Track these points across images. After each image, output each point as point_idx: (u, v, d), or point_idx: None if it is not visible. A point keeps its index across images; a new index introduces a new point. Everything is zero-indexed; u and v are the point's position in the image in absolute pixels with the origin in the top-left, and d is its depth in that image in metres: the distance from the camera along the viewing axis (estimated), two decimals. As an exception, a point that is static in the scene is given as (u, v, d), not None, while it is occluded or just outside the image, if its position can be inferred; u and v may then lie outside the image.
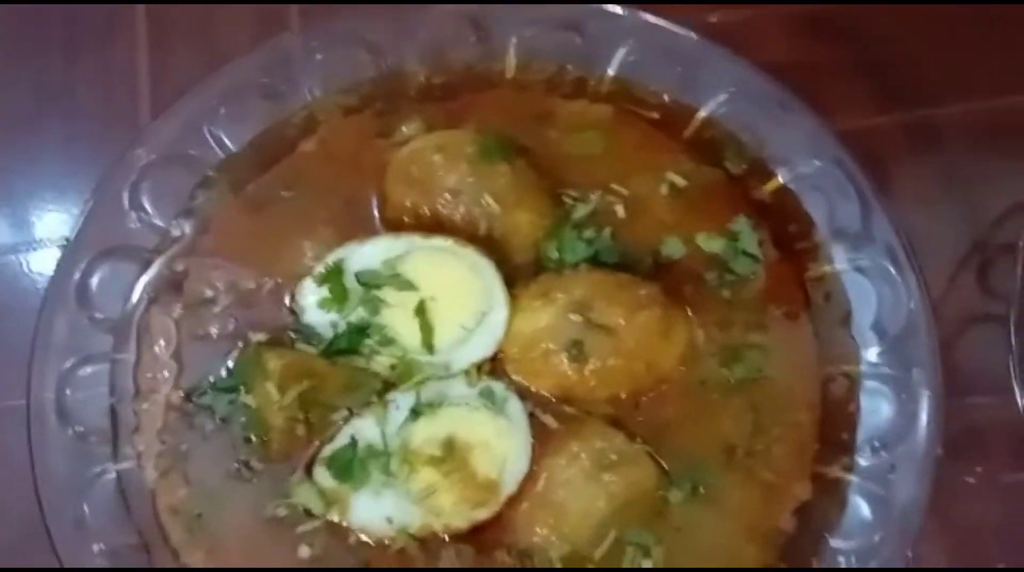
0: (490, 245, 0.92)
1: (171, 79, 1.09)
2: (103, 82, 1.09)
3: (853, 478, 0.87)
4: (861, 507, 0.86)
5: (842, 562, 0.85)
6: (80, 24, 1.11)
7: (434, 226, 0.93)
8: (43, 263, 1.03)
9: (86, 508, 0.84)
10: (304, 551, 0.84)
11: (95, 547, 0.83)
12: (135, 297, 0.93)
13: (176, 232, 0.96)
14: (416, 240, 0.90)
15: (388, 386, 0.89)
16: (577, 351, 0.87)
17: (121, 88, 1.08)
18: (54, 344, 0.89)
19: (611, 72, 1.01)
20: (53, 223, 1.04)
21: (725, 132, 0.99)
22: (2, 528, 0.93)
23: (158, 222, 0.95)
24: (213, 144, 0.98)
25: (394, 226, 0.95)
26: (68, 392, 0.88)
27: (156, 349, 0.91)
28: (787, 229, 0.96)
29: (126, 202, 0.95)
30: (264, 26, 1.10)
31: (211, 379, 0.89)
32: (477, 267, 0.90)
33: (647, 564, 0.84)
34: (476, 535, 0.85)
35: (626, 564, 0.84)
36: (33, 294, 0.98)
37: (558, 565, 0.84)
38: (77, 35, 1.11)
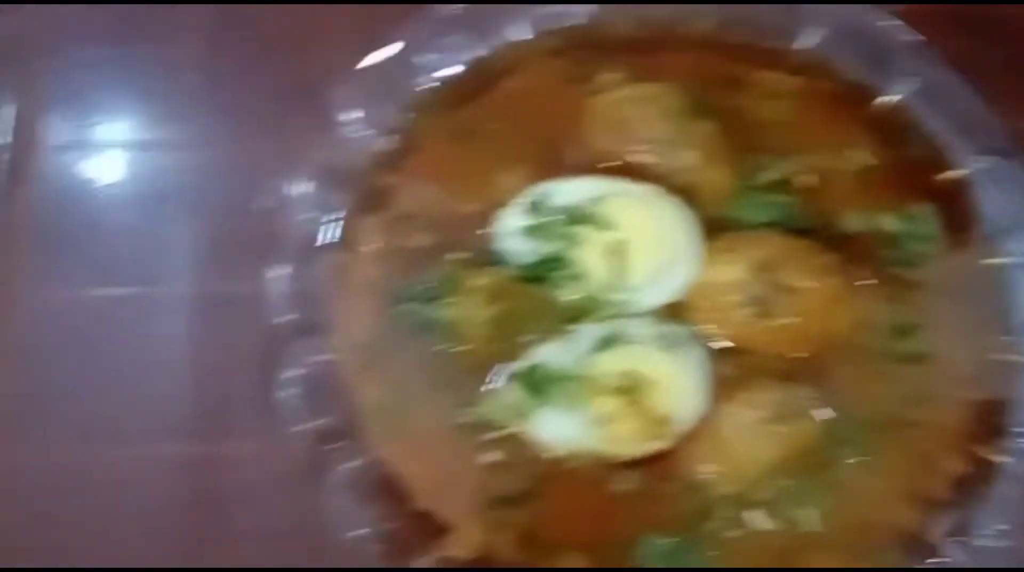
0: (682, 197, 0.97)
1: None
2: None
3: (1008, 460, 0.91)
4: (1013, 488, 0.90)
5: (984, 536, 0.89)
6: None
7: (632, 173, 0.98)
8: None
9: (288, 392, 0.90)
10: (489, 456, 0.90)
11: (295, 428, 0.89)
12: (344, 203, 0.98)
13: (386, 147, 1.00)
14: (620, 183, 0.95)
15: (574, 317, 0.94)
16: (760, 307, 0.92)
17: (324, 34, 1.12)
18: (267, 240, 0.94)
19: (806, 46, 1.05)
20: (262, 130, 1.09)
21: (911, 117, 1.02)
22: (160, 405, 0.99)
23: (370, 136, 1.00)
24: (424, 71, 1.02)
25: (589, 168, 0.99)
26: (278, 285, 0.93)
27: (361, 254, 0.97)
28: (962, 218, 1.00)
29: (343, 113, 1.00)
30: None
31: (411, 288, 0.94)
32: (675, 216, 0.95)
33: (807, 513, 0.89)
34: (647, 464, 0.90)
35: (786, 511, 0.89)
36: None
37: (723, 502, 0.88)
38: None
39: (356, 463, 0.89)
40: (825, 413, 0.91)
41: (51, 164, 1.09)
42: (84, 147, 1.10)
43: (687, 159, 0.96)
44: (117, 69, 1.13)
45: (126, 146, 1.10)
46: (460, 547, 0.87)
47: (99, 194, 1.08)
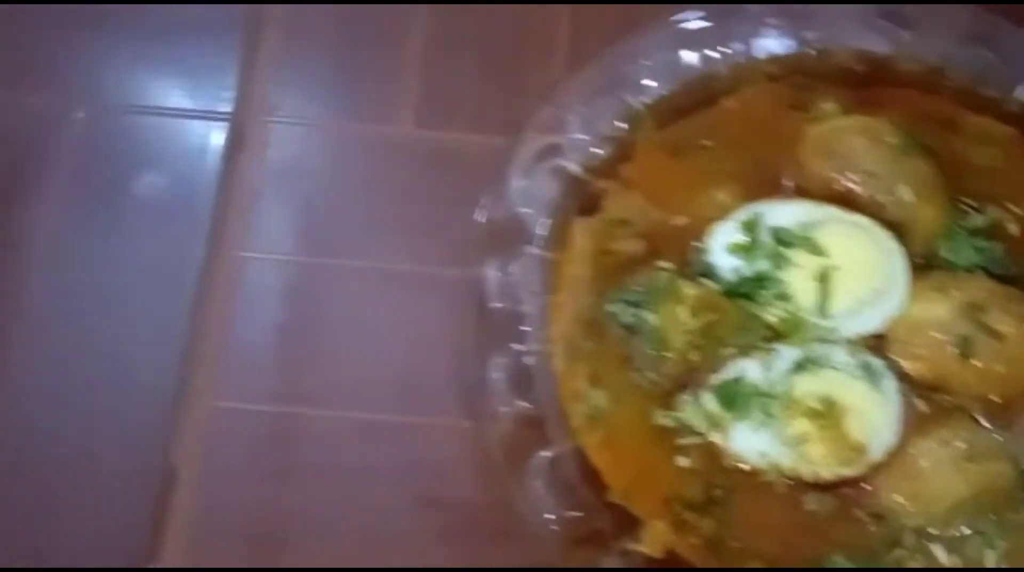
0: (893, 231, 0.99)
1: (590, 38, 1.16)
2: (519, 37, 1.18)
3: None
4: None
5: None
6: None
7: (844, 202, 1.00)
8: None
9: (498, 374, 0.94)
10: (683, 461, 0.93)
11: (503, 409, 0.93)
12: (559, 203, 1.02)
13: (601, 154, 1.04)
14: (833, 211, 0.98)
15: (775, 336, 0.97)
16: (963, 347, 0.94)
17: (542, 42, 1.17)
18: (489, 229, 0.99)
19: (1018, 95, 1.06)
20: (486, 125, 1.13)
21: (1122, 173, 1.03)
22: (376, 373, 1.04)
23: (587, 141, 1.04)
24: (643, 84, 1.06)
25: (802, 193, 1.02)
26: (497, 273, 0.98)
27: (574, 253, 1.01)
28: None
29: (564, 117, 1.04)
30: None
31: (620, 291, 0.98)
32: (885, 249, 0.97)
33: (990, 553, 0.90)
34: (838, 488, 0.92)
35: (970, 550, 0.90)
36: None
37: (909, 533, 0.90)
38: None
39: (555, 450, 0.92)
40: (1018, 456, 0.92)
41: (272, 134, 1.14)
42: (305, 123, 1.15)
43: (901, 194, 0.98)
44: (343, 60, 1.17)
45: (345, 128, 1.15)
46: (649, 544, 0.90)
47: (317, 170, 1.12)
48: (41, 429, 1.01)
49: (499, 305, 0.97)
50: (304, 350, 1.05)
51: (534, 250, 1.01)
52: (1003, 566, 0.90)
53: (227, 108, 1.14)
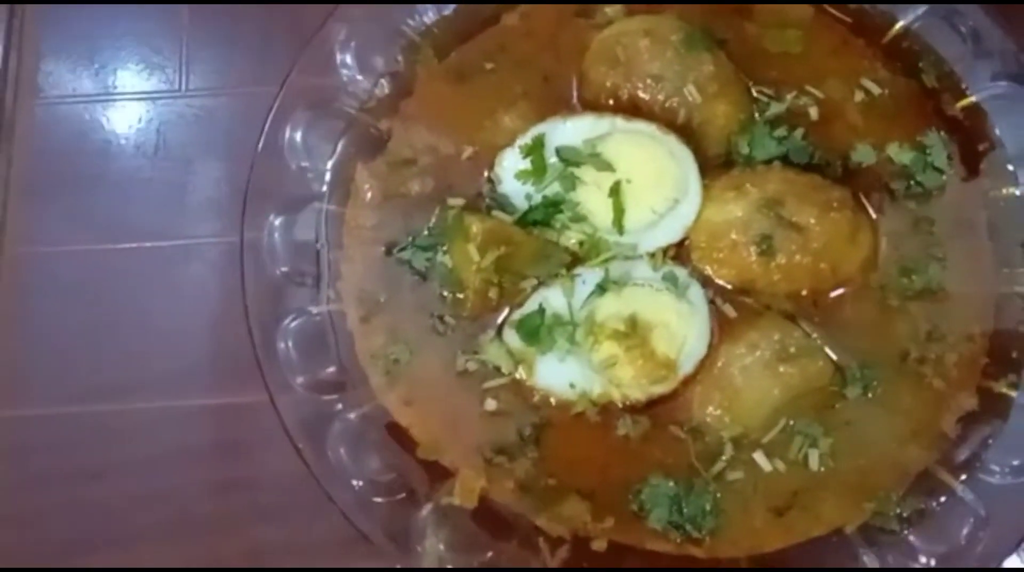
0: (686, 134, 0.94)
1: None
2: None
3: (1018, 395, 0.89)
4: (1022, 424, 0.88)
5: (996, 472, 0.88)
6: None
7: (632, 110, 0.96)
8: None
9: (290, 342, 0.90)
10: (490, 404, 0.90)
11: (299, 379, 0.89)
12: (340, 151, 0.96)
13: (380, 92, 0.98)
14: (618, 122, 0.93)
15: (575, 260, 0.93)
16: (766, 245, 0.90)
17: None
18: (263, 189, 0.93)
19: (815, -29, 1.01)
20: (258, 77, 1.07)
21: (921, 44, 0.99)
22: (179, 357, 1.00)
23: (363, 81, 0.98)
24: (417, 10, 1.00)
25: (591, 106, 0.97)
26: (276, 235, 0.92)
27: (359, 202, 0.95)
28: (975, 147, 0.97)
29: (335, 59, 0.98)
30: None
31: (410, 235, 0.93)
32: (675, 154, 0.92)
33: (814, 453, 0.88)
34: (651, 408, 0.90)
35: (793, 451, 0.88)
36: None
37: (728, 444, 0.87)
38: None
39: (358, 413, 0.88)
40: (832, 352, 0.89)
41: (48, 115, 1.07)
42: (82, 97, 1.07)
43: (692, 94, 0.94)
44: (113, 17, 1.10)
45: (124, 96, 1.08)
46: (460, 495, 0.87)
47: (96, 146, 1.06)
48: None
49: (284, 269, 0.91)
50: (101, 344, 1.00)
51: (317, 205, 0.94)
52: (828, 462, 0.87)
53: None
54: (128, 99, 1.08)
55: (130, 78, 1.09)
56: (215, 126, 1.05)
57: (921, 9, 0.99)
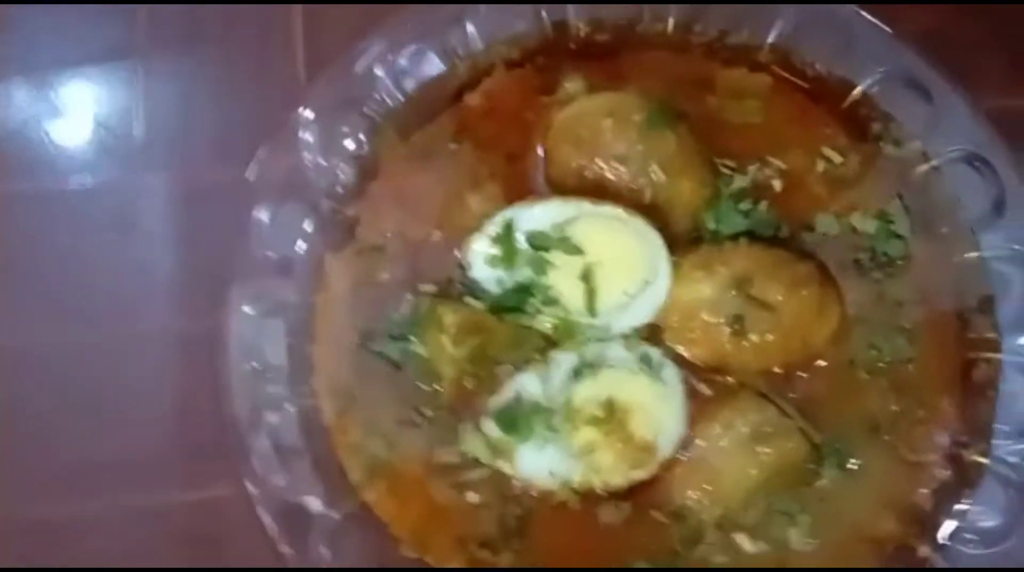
0: (652, 213, 0.95)
1: (325, 38, 1.09)
2: (258, 42, 1.09)
3: (990, 463, 0.91)
4: (996, 492, 0.90)
5: (971, 542, 0.89)
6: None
7: (597, 189, 0.96)
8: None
9: (265, 439, 0.88)
10: (472, 497, 0.89)
11: (276, 476, 0.88)
12: (307, 239, 0.95)
13: (344, 177, 0.97)
14: (586, 206, 0.93)
15: (549, 344, 0.92)
16: (738, 325, 0.91)
17: (277, 48, 1.08)
18: (231, 277, 0.92)
19: (771, 40, 1.02)
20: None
21: (880, 110, 1.00)
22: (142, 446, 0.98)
23: (327, 166, 0.97)
24: (379, 93, 0.99)
25: (557, 186, 0.97)
26: (246, 328, 0.91)
27: (329, 292, 0.94)
28: (935, 212, 0.98)
29: (297, 145, 0.96)
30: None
31: (383, 326, 0.92)
32: (643, 235, 0.93)
33: (793, 531, 0.89)
34: (633, 494, 0.90)
35: (774, 530, 0.89)
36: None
37: (710, 527, 0.88)
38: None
39: (339, 510, 0.87)
40: (805, 427, 0.90)
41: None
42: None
43: (654, 174, 0.94)
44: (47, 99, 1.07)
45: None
46: (446, 591, 0.86)
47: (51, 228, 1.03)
48: None
49: (254, 365, 0.90)
50: (59, 436, 0.96)
51: (287, 297, 0.93)
52: (808, 540, 0.88)
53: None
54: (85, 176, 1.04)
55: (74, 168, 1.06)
56: (185, 208, 1.02)
57: (877, 73, 1.00)
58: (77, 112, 1.09)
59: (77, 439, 0.97)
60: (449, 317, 0.89)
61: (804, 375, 0.93)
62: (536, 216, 0.93)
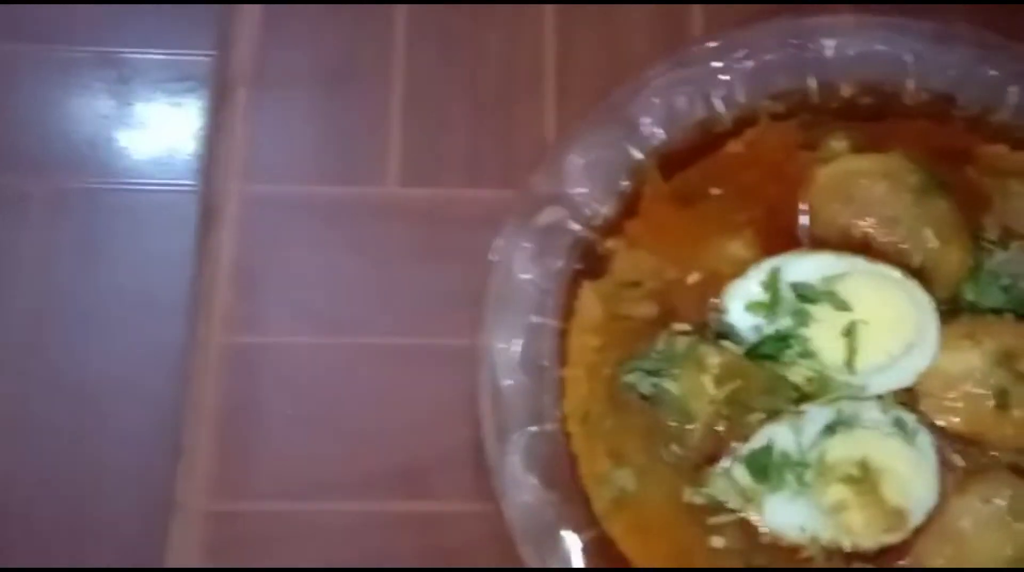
0: (918, 278, 0.94)
1: (577, 86, 1.10)
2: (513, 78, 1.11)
3: None
4: None
5: None
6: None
7: (862, 249, 0.95)
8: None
9: (516, 457, 0.89)
10: (717, 541, 0.89)
11: (521, 496, 0.88)
12: (564, 267, 0.97)
13: (605, 210, 0.99)
14: (860, 262, 0.93)
15: (803, 397, 0.92)
16: (999, 398, 0.89)
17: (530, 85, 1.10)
18: (492, 300, 0.93)
19: (1032, 121, 1.01)
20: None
21: None
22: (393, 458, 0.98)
23: (589, 198, 0.98)
24: (643, 132, 1.01)
25: (820, 241, 0.97)
26: (503, 345, 0.92)
27: (583, 321, 0.95)
28: None
29: (563, 176, 0.98)
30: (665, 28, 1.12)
31: (637, 359, 0.92)
32: (915, 300, 0.92)
33: (1040, 621, 0.86)
34: (880, 558, 0.88)
35: (1024, 616, 0.86)
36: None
37: (959, 603, 0.86)
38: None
39: (580, 537, 0.87)
40: (1064, 510, 0.88)
41: (248, 204, 1.07)
42: (283, 188, 1.08)
43: (925, 239, 0.94)
44: (318, 116, 1.10)
45: (327, 192, 1.08)
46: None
47: (300, 240, 1.06)
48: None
49: (508, 381, 0.91)
50: (308, 440, 0.99)
51: (542, 319, 0.94)
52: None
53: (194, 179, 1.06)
54: (343, 191, 1.07)
55: (345, 170, 1.08)
56: (434, 225, 1.04)
57: None
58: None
59: (335, 442, 0.98)
60: (713, 358, 0.89)
61: (1062, 456, 0.90)
62: (805, 267, 0.93)
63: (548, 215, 0.98)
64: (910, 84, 1.05)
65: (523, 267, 0.95)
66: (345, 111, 1.11)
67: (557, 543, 0.88)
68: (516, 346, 0.94)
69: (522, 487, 0.89)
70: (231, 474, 0.98)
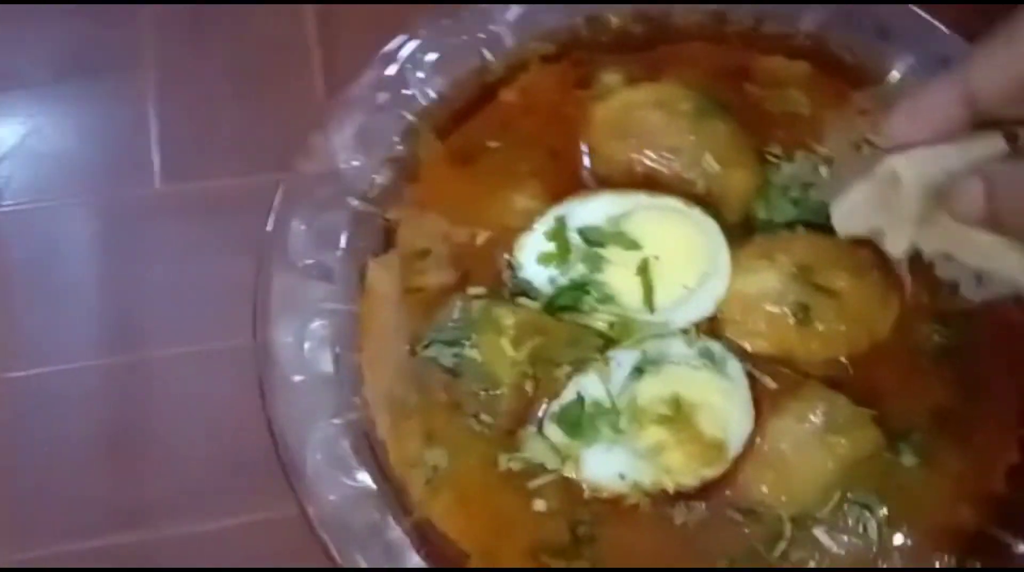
0: (704, 204, 0.92)
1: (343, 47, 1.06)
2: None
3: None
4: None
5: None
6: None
7: (647, 183, 0.93)
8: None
9: (318, 455, 0.84)
10: (540, 504, 0.85)
11: (328, 495, 0.83)
12: (347, 246, 0.91)
13: (381, 180, 0.94)
14: (642, 198, 0.90)
15: (607, 343, 0.89)
16: (803, 314, 0.88)
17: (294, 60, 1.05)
18: (272, 292, 0.87)
19: (807, 27, 1.00)
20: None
21: (920, 93, 0.98)
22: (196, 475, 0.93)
23: (363, 170, 0.93)
24: (413, 92, 0.96)
25: (605, 181, 0.94)
26: (290, 339, 0.86)
27: (374, 299, 0.90)
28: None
29: (332, 150, 0.92)
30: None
31: (434, 332, 0.88)
32: (702, 227, 0.90)
33: (872, 523, 0.86)
34: (705, 493, 0.86)
35: (852, 523, 0.86)
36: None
37: (787, 523, 0.85)
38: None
39: (401, 528, 0.83)
40: (878, 417, 0.87)
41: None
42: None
43: (707, 165, 0.91)
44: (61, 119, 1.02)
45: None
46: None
47: (64, 254, 0.98)
48: None
49: (299, 377, 0.85)
50: (115, 465, 0.90)
51: (330, 305, 0.88)
52: (886, 532, 0.85)
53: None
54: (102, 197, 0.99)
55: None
56: (205, 220, 0.97)
57: (911, 59, 0.99)
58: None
59: (115, 469, 0.90)
60: (508, 319, 0.86)
61: (869, 363, 0.90)
62: (590, 211, 0.90)
63: (321, 193, 0.91)
64: (679, 6, 1.01)
65: (302, 252, 0.89)
66: (92, 109, 1.02)
67: (373, 538, 0.83)
68: (303, 337, 0.88)
69: (329, 485, 0.83)
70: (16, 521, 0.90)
